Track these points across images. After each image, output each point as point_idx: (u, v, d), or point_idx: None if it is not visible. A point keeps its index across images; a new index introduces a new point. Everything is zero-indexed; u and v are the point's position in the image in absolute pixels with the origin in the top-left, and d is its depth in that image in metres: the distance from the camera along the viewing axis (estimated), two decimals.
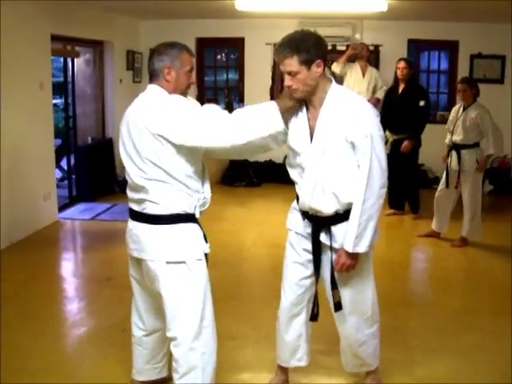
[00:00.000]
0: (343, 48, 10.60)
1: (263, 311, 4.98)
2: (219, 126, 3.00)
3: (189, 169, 3.12)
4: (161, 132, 2.98)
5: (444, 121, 10.47)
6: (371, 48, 10.45)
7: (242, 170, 10.76)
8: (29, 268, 6.25)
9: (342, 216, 3.24)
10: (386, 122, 7.61)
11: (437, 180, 10.17)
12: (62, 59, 9.55)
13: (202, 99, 11.26)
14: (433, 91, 11.29)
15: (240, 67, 11.66)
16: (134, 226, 3.26)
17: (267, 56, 10.97)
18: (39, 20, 7.63)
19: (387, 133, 8.18)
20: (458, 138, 7.14)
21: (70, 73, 9.38)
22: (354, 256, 3.20)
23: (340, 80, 9.29)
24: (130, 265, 3.45)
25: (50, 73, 8.16)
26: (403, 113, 8.25)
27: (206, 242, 3.27)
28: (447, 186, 7.31)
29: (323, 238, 3.33)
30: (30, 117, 7.53)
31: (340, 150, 3.11)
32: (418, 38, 10.76)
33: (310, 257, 3.41)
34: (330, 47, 10.56)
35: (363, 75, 9.71)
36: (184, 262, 3.14)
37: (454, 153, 7.19)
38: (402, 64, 8.35)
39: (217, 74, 12.09)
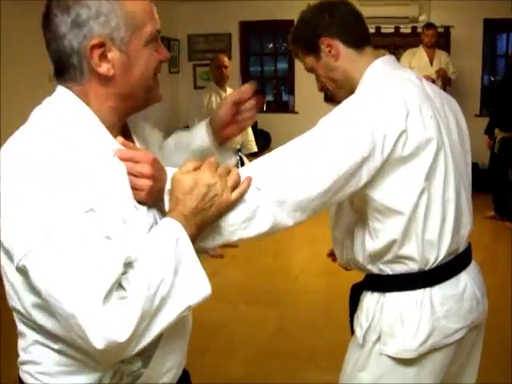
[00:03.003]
0: (408, 31, 9.45)
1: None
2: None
3: None
4: None
5: None
6: (440, 30, 9.12)
7: None
8: None
9: None
10: (497, 117, 7.57)
11: None
12: None
13: None
14: None
15: (290, 54, 10.39)
16: None
17: None
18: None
19: (496, 130, 7.63)
20: None
21: None
22: None
23: None
24: None
25: None
26: None
27: None
28: None
29: None
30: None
31: None
32: (495, 18, 9.34)
33: None
34: (392, 30, 9.44)
35: (431, 62, 8.36)
36: None
37: None
38: None
39: (264, 63, 10.89)
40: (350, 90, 1.99)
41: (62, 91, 1.48)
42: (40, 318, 1.40)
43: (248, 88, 1.95)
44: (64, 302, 1.26)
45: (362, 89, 1.98)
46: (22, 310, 1.43)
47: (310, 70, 2.14)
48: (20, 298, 1.41)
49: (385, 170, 1.79)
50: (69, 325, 1.28)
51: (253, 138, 6.73)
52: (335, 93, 2.13)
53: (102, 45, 1.41)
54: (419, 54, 8.46)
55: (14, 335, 1.63)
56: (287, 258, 6.70)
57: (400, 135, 1.76)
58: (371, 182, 1.80)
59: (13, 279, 1.39)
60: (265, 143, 9.11)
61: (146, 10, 1.48)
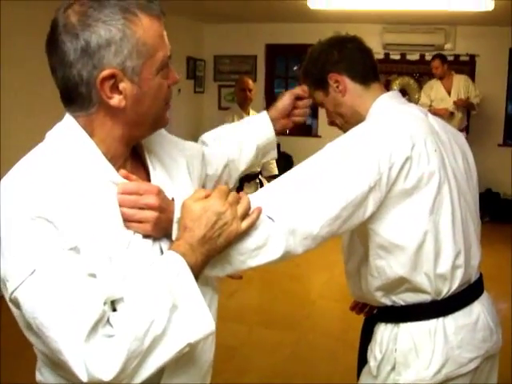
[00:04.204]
0: None
1: None
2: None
3: None
4: None
5: None
6: (465, 58, 9.15)
7: None
8: None
9: None
10: None
11: None
12: None
13: None
14: None
15: None
16: None
17: None
18: None
19: None
20: None
21: None
22: None
23: None
24: None
25: None
26: None
27: None
28: None
29: None
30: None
31: None
32: None
33: None
34: (417, 57, 9.42)
35: (449, 93, 8.32)
36: None
37: None
38: None
39: (289, 85, 10.92)
40: (355, 123, 2.01)
41: (67, 121, 1.43)
42: (36, 342, 1.38)
43: (306, 87, 2.09)
44: (50, 337, 1.25)
45: (368, 121, 2.00)
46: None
47: (320, 104, 2.18)
48: (18, 322, 1.39)
49: (388, 203, 1.80)
50: (59, 359, 1.26)
51: (274, 161, 6.68)
52: (343, 127, 2.15)
53: (113, 76, 1.34)
54: (436, 87, 8.44)
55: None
56: (305, 282, 6.65)
57: (405, 162, 1.77)
58: (376, 215, 1.82)
59: (11, 305, 1.36)
60: (286, 166, 9.08)
61: (157, 35, 1.39)
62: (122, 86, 1.35)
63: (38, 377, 1.52)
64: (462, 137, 2.17)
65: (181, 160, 1.71)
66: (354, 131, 1.89)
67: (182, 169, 1.70)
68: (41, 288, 1.25)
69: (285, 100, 2.08)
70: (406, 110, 2.04)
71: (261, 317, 5.44)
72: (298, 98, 2.10)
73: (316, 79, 2.13)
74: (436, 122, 2.04)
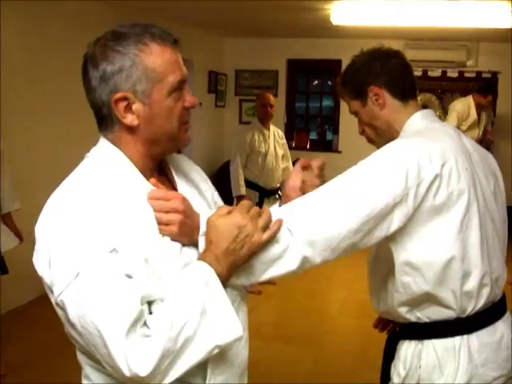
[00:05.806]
0: (455, 75, 9.39)
1: None
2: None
3: None
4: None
5: None
6: (487, 75, 9.18)
7: None
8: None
9: None
10: None
11: None
12: None
13: (291, 128, 10.25)
14: None
15: (336, 94, 10.39)
16: None
17: None
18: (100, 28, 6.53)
19: None
20: None
21: None
22: None
23: None
24: None
25: None
26: None
27: None
28: None
29: None
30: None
31: None
32: None
33: None
34: (439, 73, 9.40)
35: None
36: None
37: None
38: None
39: (310, 101, 10.93)
40: (389, 140, 2.00)
41: (101, 142, 1.63)
42: (80, 341, 1.47)
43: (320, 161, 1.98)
44: (93, 334, 1.38)
45: (400, 140, 2.01)
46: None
47: (354, 113, 2.20)
48: (64, 324, 1.52)
49: (418, 220, 1.81)
50: (101, 354, 1.40)
51: None
52: (374, 140, 2.18)
53: (125, 98, 1.53)
54: (472, 113, 8.14)
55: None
56: (325, 298, 6.63)
57: (434, 179, 1.79)
58: (404, 231, 1.83)
59: (57, 309, 1.50)
60: None
61: (167, 62, 1.55)
62: (134, 107, 1.55)
63: (85, 382, 1.64)
64: (492, 157, 2.20)
65: (203, 186, 1.89)
66: (386, 148, 1.90)
67: (203, 192, 1.87)
68: (85, 289, 1.38)
69: (294, 180, 1.94)
70: (439, 128, 2.06)
71: (279, 333, 5.44)
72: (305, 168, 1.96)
73: (355, 89, 2.15)
74: (468, 142, 2.07)
